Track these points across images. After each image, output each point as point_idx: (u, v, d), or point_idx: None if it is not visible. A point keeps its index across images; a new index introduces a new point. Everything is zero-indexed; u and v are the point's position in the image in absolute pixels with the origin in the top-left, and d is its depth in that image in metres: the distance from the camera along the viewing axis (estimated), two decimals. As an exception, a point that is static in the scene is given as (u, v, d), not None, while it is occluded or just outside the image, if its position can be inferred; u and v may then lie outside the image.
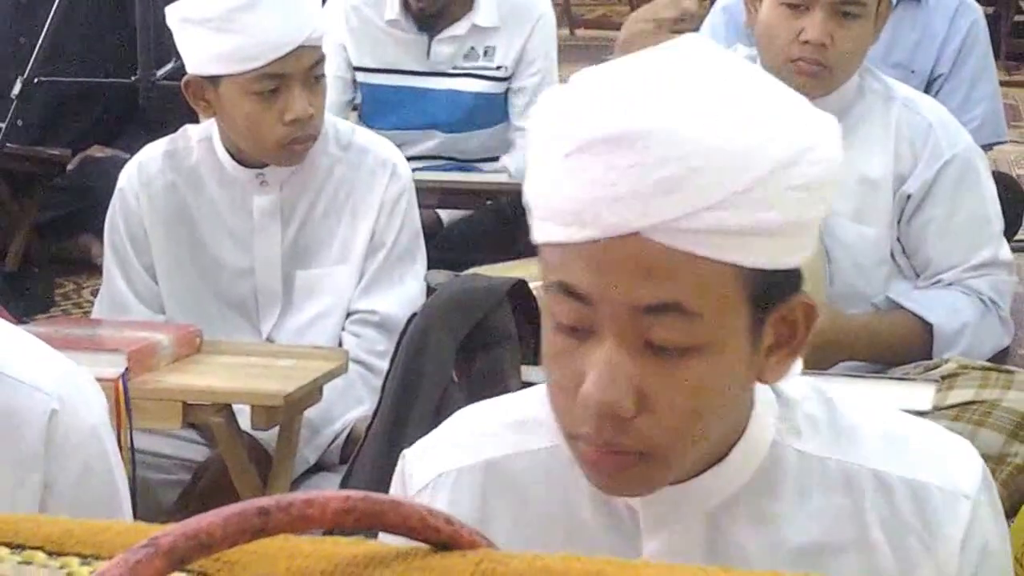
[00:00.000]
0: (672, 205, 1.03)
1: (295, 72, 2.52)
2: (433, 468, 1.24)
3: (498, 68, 3.64)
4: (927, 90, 3.36)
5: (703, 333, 1.06)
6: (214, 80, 2.54)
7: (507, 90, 3.68)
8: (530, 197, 1.10)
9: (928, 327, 2.50)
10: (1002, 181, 2.92)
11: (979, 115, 3.44)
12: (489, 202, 3.49)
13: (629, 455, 1.09)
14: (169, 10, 2.57)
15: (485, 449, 1.23)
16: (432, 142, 3.63)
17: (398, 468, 1.28)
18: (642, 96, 1.04)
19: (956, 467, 1.20)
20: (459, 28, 3.60)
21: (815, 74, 2.46)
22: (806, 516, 1.18)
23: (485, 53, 3.63)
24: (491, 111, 3.69)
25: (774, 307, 1.09)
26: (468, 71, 3.63)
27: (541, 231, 1.09)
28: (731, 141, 1.03)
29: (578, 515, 1.18)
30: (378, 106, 3.59)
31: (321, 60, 2.58)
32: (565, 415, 1.11)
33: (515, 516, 1.21)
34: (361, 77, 3.63)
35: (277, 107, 2.53)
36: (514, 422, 1.24)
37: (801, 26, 2.44)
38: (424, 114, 3.62)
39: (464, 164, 3.69)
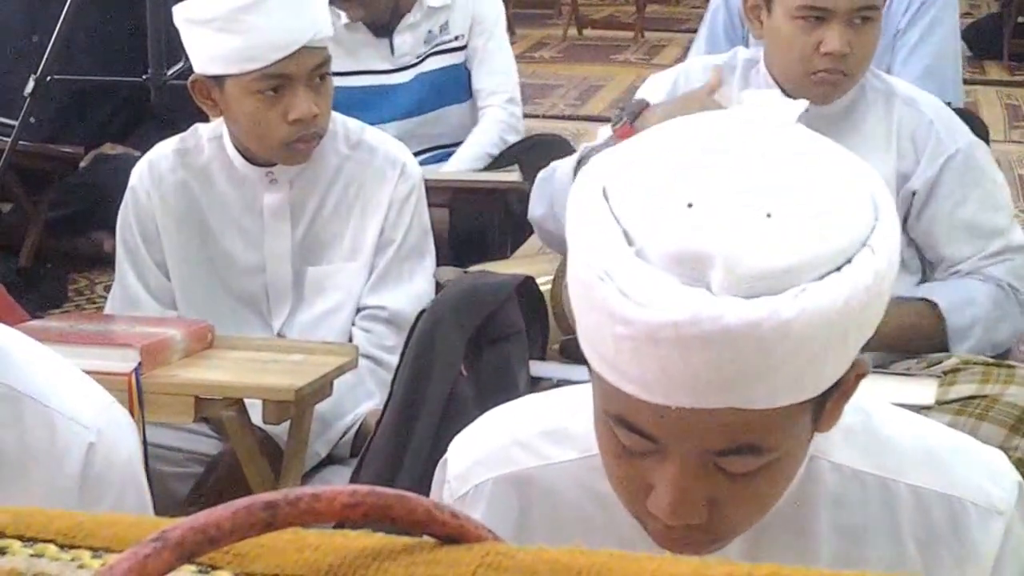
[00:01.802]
0: (755, 391, 0.98)
1: (298, 73, 2.53)
2: (471, 478, 1.25)
3: (456, 38, 3.68)
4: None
5: (774, 456, 1.05)
6: (219, 80, 2.55)
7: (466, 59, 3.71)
8: (577, 321, 1.05)
9: (942, 319, 2.50)
10: (967, 119, 2.89)
11: (920, 68, 3.39)
12: (501, 203, 3.49)
13: (701, 540, 1.09)
14: (175, 10, 2.59)
15: (519, 460, 1.23)
16: (407, 129, 3.63)
17: (438, 473, 1.29)
18: (723, 289, 0.96)
19: (992, 483, 1.19)
20: (413, 16, 3.62)
21: (836, 83, 2.47)
22: (840, 529, 1.17)
23: (441, 29, 3.66)
24: (454, 86, 3.70)
25: (835, 395, 1.06)
26: (430, 52, 3.66)
27: (597, 365, 1.04)
28: (821, 321, 0.97)
29: (617, 526, 1.18)
30: (348, 106, 3.59)
31: (325, 61, 2.58)
32: (630, 503, 1.11)
33: (552, 527, 1.21)
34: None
35: (280, 107, 2.54)
36: (545, 431, 1.23)
37: (819, 38, 2.43)
38: (395, 108, 3.62)
39: (440, 152, 3.70)
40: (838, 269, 0.98)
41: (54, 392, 1.38)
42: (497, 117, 3.70)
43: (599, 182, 1.03)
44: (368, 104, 3.57)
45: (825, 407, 1.07)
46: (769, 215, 0.98)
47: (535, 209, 2.67)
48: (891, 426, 1.20)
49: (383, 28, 3.63)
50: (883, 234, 1.01)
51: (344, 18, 3.62)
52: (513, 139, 3.68)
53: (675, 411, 1.00)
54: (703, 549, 1.10)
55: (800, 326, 0.96)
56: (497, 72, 3.73)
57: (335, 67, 3.60)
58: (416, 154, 3.51)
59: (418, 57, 3.66)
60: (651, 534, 1.11)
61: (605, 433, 1.09)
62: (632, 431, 1.04)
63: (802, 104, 1.09)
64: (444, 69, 3.68)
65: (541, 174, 2.74)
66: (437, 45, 3.67)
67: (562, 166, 2.64)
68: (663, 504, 1.06)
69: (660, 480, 1.06)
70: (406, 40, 3.65)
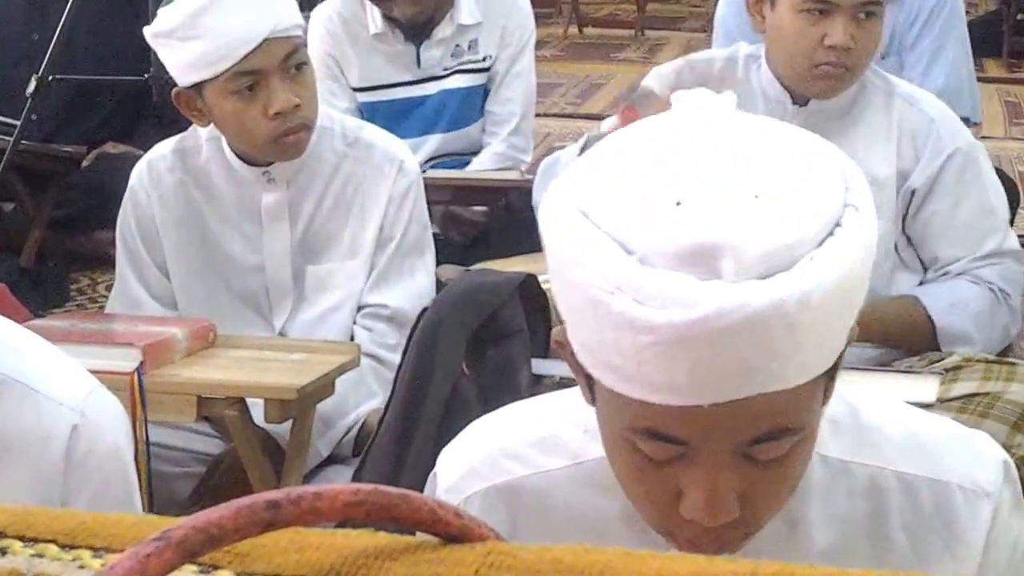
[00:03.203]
0: (784, 370, 0.99)
1: (269, 65, 2.51)
2: (461, 490, 1.24)
3: (484, 59, 3.67)
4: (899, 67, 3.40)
5: (801, 435, 1.06)
6: (198, 89, 2.55)
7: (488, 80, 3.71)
8: (580, 349, 1.04)
9: (933, 324, 2.50)
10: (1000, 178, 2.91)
11: (936, 88, 3.33)
12: (503, 202, 3.49)
13: (734, 536, 1.10)
14: (145, 31, 2.60)
15: (508, 469, 1.23)
16: (430, 145, 3.64)
17: (428, 486, 1.28)
18: (736, 275, 0.97)
19: (978, 465, 1.20)
20: (444, 30, 3.61)
21: (839, 77, 2.47)
22: (830, 519, 1.18)
23: (469, 47, 3.65)
24: (479, 105, 3.71)
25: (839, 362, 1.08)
26: (456, 68, 3.65)
27: (615, 384, 1.03)
28: (834, 286, 0.99)
29: (611, 534, 1.17)
30: (377, 122, 3.59)
31: (296, 50, 2.55)
32: (659, 516, 1.10)
33: (542, 536, 1.20)
34: (358, 97, 3.65)
35: (260, 103, 2.52)
36: (536, 440, 1.23)
37: (823, 31, 2.43)
38: (421, 121, 3.62)
39: (462, 157, 3.70)
40: (831, 234, 1.00)
41: (39, 375, 1.37)
42: (495, 151, 3.69)
43: (573, 206, 1.02)
44: (395, 118, 3.55)
45: (834, 378, 1.08)
46: (757, 196, 0.99)
47: (537, 195, 2.67)
48: (876, 416, 1.21)
49: (415, 33, 3.61)
50: (858, 193, 1.03)
51: (373, 27, 3.60)
52: (511, 172, 3.67)
53: (707, 409, 1.00)
54: (734, 548, 1.10)
55: (819, 294, 0.98)
56: (510, 100, 3.71)
57: (360, 82, 3.61)
58: (436, 158, 3.53)
59: (444, 70, 3.65)
60: (681, 546, 1.10)
61: (624, 450, 1.07)
62: (661, 440, 1.04)
63: (731, 95, 1.10)
64: (470, 89, 3.67)
65: (545, 161, 2.75)
66: (465, 63, 3.66)
67: (564, 155, 2.64)
68: (699, 507, 1.05)
69: (692, 483, 1.05)
70: (433, 54, 3.63)
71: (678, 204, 0.99)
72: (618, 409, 1.05)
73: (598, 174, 1.03)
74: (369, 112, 3.61)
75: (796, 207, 0.99)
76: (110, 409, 1.42)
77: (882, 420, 1.21)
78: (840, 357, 1.07)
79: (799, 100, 2.53)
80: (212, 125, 2.65)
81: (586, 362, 1.04)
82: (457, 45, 3.64)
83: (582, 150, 2.55)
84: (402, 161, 2.73)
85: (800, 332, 0.98)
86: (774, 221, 0.98)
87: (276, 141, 2.56)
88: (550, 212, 1.04)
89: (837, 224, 1.00)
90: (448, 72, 3.65)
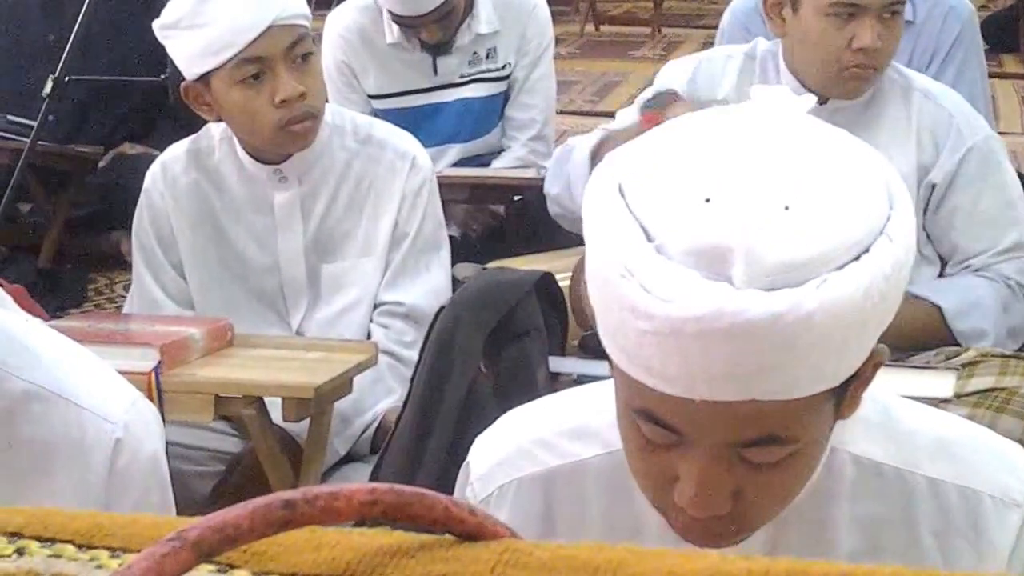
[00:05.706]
0: (778, 382, 0.99)
1: (274, 53, 2.52)
2: (494, 479, 1.25)
3: (503, 67, 3.66)
4: None
5: (797, 446, 1.06)
6: (205, 80, 2.55)
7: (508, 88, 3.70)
8: (598, 320, 1.05)
9: (948, 323, 2.49)
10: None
11: None
12: (518, 197, 3.49)
13: (726, 531, 1.10)
14: (154, 25, 2.61)
15: (542, 459, 1.24)
16: (451, 155, 3.64)
17: (461, 476, 1.29)
18: (744, 282, 0.96)
19: (1008, 475, 1.19)
20: (462, 39, 3.60)
21: (867, 78, 2.47)
22: (859, 520, 1.18)
23: (488, 56, 3.64)
24: (497, 114, 3.71)
25: (855, 383, 1.07)
26: (474, 76, 3.64)
27: (619, 361, 1.04)
28: (842, 312, 0.98)
29: (640, 522, 1.18)
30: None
31: (301, 40, 2.55)
32: (654, 496, 1.11)
33: (577, 525, 1.22)
34: (374, 104, 3.64)
35: (266, 91, 2.53)
36: (569, 430, 1.24)
37: (851, 33, 2.42)
38: (440, 130, 3.61)
39: (482, 158, 3.70)
40: (856, 259, 0.99)
41: (82, 389, 1.39)
42: (516, 154, 3.68)
43: (615, 179, 1.04)
44: (412, 126, 3.54)
45: (846, 395, 1.07)
46: (787, 208, 0.98)
47: (551, 186, 2.67)
48: (910, 418, 1.21)
49: (435, 47, 3.60)
50: (899, 223, 1.02)
51: (390, 36, 3.59)
52: (527, 171, 3.66)
53: (698, 404, 1.00)
54: (727, 541, 1.11)
55: (822, 317, 0.97)
56: (530, 106, 3.69)
57: (375, 89, 3.61)
58: (457, 166, 3.53)
59: (461, 78, 3.64)
60: (675, 528, 1.11)
61: (629, 427, 1.09)
62: (656, 424, 1.05)
63: (810, 99, 1.09)
64: (489, 98, 3.67)
65: (558, 151, 2.74)
66: (483, 72, 3.65)
67: (579, 146, 2.63)
68: (688, 496, 1.06)
69: (685, 472, 1.06)
70: (450, 62, 3.63)
71: (707, 201, 0.99)
72: (624, 386, 1.06)
73: (645, 156, 1.04)
74: (385, 120, 3.61)
75: (825, 225, 0.98)
76: (149, 420, 1.45)
77: (916, 424, 1.20)
78: (857, 379, 1.06)
79: (819, 99, 2.53)
80: (225, 125, 2.66)
81: (601, 332, 1.06)
82: (475, 53, 3.63)
83: (597, 145, 2.54)
84: (414, 157, 2.73)
85: (798, 349, 0.97)
86: (798, 235, 0.97)
87: (283, 129, 2.56)
88: (595, 182, 1.05)
89: (865, 251, 0.99)
90: (466, 80, 3.64)
